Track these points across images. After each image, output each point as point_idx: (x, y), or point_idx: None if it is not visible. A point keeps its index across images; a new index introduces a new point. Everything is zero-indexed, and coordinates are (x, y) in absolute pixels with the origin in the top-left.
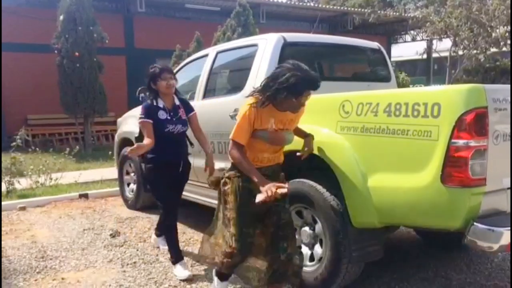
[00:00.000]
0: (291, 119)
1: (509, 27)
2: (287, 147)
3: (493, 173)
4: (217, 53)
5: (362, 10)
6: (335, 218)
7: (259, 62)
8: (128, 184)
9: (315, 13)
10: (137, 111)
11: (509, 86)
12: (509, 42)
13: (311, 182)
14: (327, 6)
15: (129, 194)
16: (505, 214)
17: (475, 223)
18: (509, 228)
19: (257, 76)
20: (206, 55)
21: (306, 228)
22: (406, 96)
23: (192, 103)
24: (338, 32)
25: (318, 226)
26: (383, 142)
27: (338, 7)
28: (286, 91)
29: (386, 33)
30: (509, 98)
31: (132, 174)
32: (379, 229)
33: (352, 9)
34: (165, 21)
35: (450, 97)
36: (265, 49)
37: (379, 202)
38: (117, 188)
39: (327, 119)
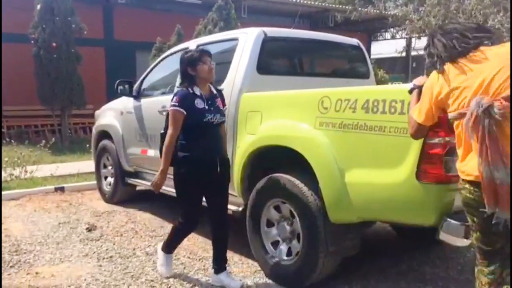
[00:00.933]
0: None
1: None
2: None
3: None
4: (198, 46)
5: (343, 7)
6: (312, 213)
7: (240, 56)
8: (106, 178)
9: (296, 9)
10: (116, 104)
11: None
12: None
13: (290, 177)
14: (309, 2)
15: (107, 188)
16: None
17: (448, 219)
18: None
19: (238, 70)
20: (187, 48)
21: (284, 223)
22: (384, 93)
23: (171, 96)
24: (319, 29)
25: (296, 221)
26: (360, 138)
27: (320, 3)
28: None
29: (367, 31)
30: None
31: (110, 167)
32: (356, 224)
33: (333, 5)
34: (146, 13)
35: None
36: (246, 43)
37: (356, 198)
38: (94, 182)
39: (306, 115)
